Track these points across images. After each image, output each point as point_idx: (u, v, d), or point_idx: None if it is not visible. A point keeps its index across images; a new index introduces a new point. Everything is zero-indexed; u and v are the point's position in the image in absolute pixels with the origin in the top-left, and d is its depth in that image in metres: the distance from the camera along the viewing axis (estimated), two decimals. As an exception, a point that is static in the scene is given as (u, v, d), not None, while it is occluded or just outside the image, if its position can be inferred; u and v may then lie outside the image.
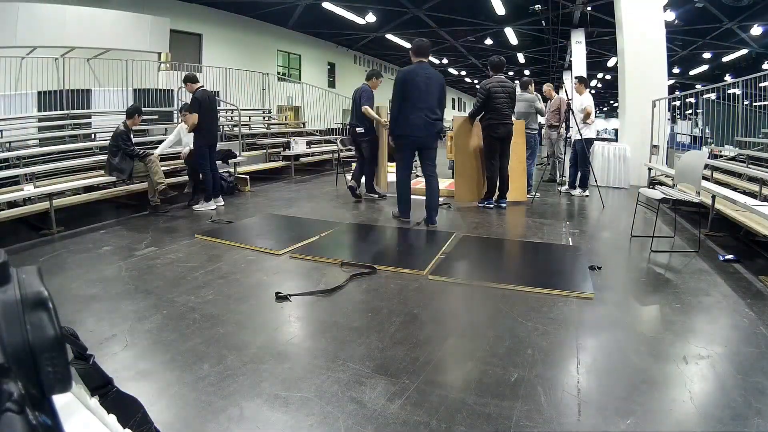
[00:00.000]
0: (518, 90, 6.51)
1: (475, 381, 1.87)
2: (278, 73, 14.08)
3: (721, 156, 7.08)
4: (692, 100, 10.47)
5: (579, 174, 6.39)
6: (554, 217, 5.09)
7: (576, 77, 6.99)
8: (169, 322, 2.41)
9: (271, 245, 3.77)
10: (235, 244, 3.81)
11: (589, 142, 6.31)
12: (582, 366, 2.00)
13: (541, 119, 7.09)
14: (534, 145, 6.32)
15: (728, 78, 14.57)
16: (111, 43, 7.67)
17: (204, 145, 5.19)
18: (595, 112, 6.37)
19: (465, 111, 35.63)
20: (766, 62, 15.38)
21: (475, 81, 28.23)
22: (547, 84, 7.80)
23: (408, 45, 17.72)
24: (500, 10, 12.16)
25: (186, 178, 5.86)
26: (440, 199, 5.70)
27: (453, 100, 34.47)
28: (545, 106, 7.34)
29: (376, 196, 5.93)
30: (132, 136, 5.29)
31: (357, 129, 5.78)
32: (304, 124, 11.12)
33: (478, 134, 5.53)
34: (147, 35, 8.24)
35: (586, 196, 6.27)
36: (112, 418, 0.57)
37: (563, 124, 6.77)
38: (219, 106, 9.39)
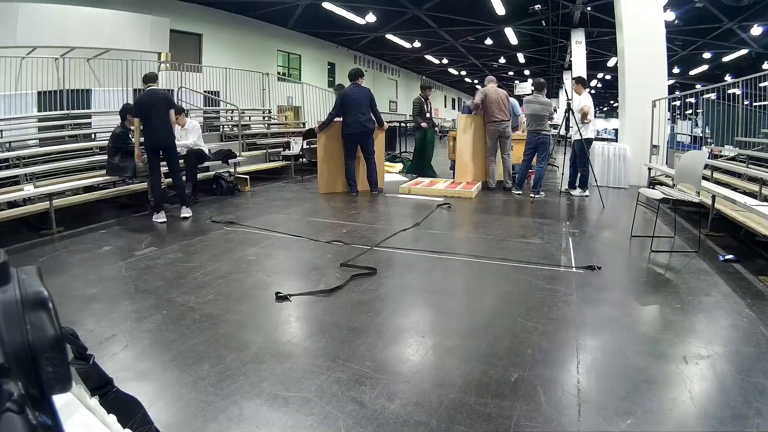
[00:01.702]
0: (534, 92, 6.45)
1: (475, 381, 1.87)
2: (278, 73, 14.08)
3: (721, 156, 7.08)
4: (692, 100, 10.47)
5: (579, 174, 6.40)
6: (554, 217, 5.09)
7: (574, 78, 6.99)
8: (169, 322, 2.41)
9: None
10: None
11: (589, 142, 6.31)
12: (582, 366, 2.00)
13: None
14: (547, 147, 6.33)
15: (728, 78, 14.56)
16: (111, 43, 7.66)
17: (147, 151, 4.73)
18: (596, 112, 6.37)
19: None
20: (766, 62, 15.37)
21: (475, 81, 28.21)
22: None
23: (408, 45, 17.78)
24: (500, 10, 12.15)
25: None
26: (440, 199, 5.79)
27: (453, 100, 34.50)
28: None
29: None
30: (131, 135, 5.29)
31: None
32: (304, 124, 11.12)
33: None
34: (147, 35, 8.23)
35: (586, 196, 6.27)
36: (112, 418, 0.57)
37: (563, 125, 6.77)
38: (219, 105, 9.45)
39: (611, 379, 1.92)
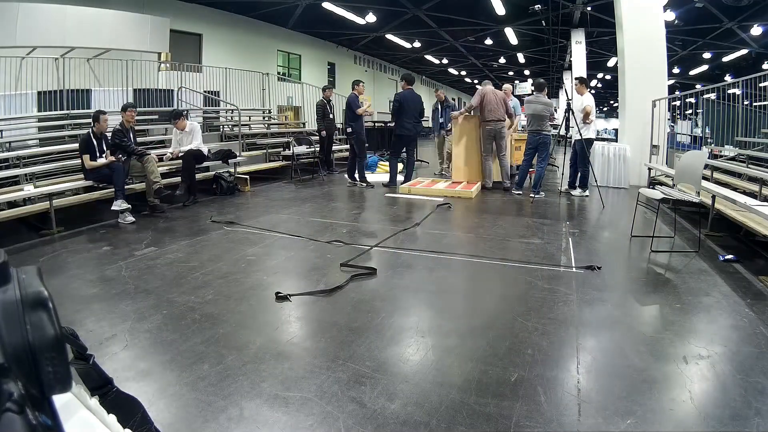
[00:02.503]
0: (534, 92, 6.41)
1: (475, 381, 1.87)
2: (278, 73, 14.07)
3: (721, 156, 7.08)
4: (692, 100, 10.47)
5: (579, 174, 6.39)
6: (554, 217, 5.09)
7: (576, 78, 6.98)
8: (169, 322, 2.41)
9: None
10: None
11: (589, 142, 6.30)
12: (582, 366, 2.00)
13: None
14: (548, 147, 6.31)
15: (728, 78, 14.55)
16: (111, 43, 7.66)
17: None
18: (596, 112, 6.36)
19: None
20: (766, 62, 15.37)
21: (475, 81, 28.20)
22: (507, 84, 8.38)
23: (408, 45, 17.77)
24: (500, 10, 12.15)
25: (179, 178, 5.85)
26: (440, 199, 5.80)
27: (453, 100, 34.46)
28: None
29: (365, 184, 7.07)
30: (132, 134, 5.29)
31: (347, 129, 7.13)
32: (304, 124, 11.11)
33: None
34: (147, 35, 8.23)
35: (586, 196, 6.27)
36: (112, 418, 0.57)
37: (563, 125, 6.77)
38: (219, 105, 9.47)
39: (611, 379, 1.92)
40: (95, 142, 4.83)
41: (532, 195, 6.01)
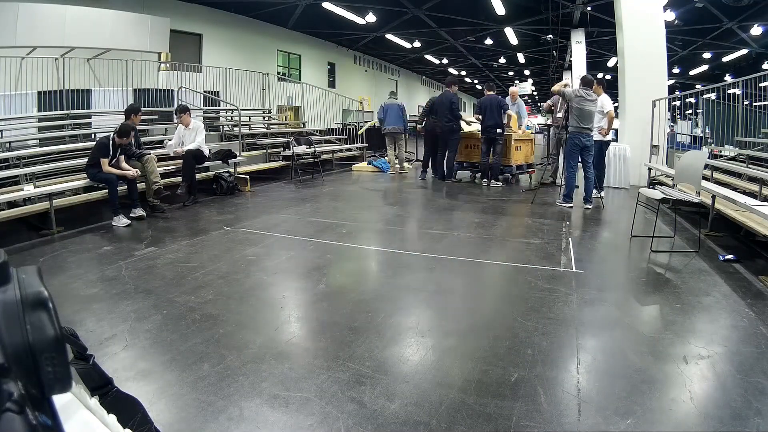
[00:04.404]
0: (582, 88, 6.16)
1: (475, 381, 1.87)
2: (278, 73, 14.06)
3: (721, 156, 7.08)
4: (692, 100, 10.47)
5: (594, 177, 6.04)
6: (554, 217, 5.08)
7: (595, 78, 6.77)
8: (169, 322, 2.41)
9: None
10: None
11: (603, 144, 6.17)
12: (582, 366, 2.00)
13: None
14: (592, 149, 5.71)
15: (728, 78, 14.55)
16: (111, 43, 7.66)
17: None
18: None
19: (464, 111, 35.61)
20: (766, 62, 15.36)
21: (475, 81, 28.19)
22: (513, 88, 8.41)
23: (408, 45, 17.77)
24: (500, 10, 12.15)
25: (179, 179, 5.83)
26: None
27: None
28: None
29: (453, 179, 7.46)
30: (134, 135, 5.28)
31: (453, 126, 7.32)
32: (304, 124, 11.11)
33: None
34: (147, 35, 8.23)
35: (602, 197, 5.86)
36: (112, 418, 0.56)
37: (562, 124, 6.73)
38: (219, 105, 9.47)
39: (611, 379, 1.92)
40: (112, 151, 4.80)
41: (562, 203, 5.60)
